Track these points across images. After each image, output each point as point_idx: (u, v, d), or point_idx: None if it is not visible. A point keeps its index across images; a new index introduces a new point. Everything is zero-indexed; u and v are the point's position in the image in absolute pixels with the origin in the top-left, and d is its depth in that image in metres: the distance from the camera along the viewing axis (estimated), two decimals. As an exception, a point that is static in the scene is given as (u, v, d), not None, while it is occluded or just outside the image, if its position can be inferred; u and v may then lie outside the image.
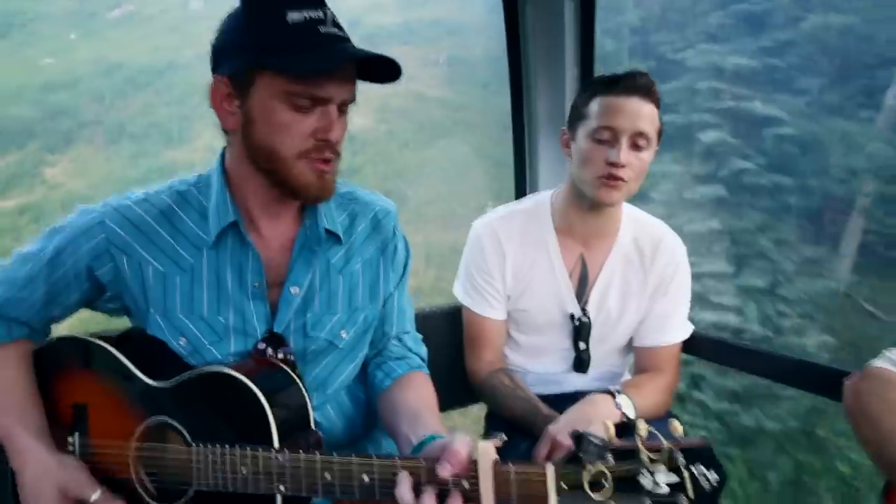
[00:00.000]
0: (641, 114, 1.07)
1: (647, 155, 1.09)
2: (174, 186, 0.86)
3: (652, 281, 1.20)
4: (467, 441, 0.62)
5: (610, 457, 0.58)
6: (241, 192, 0.83)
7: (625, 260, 1.21)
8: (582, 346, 1.23)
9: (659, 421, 1.15)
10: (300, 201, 0.83)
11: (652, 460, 0.58)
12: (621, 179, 1.07)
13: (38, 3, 10.25)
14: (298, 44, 0.71)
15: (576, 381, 1.27)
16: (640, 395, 1.11)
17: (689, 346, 1.26)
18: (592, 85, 1.14)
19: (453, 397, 1.39)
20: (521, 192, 1.55)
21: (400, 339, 0.98)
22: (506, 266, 1.22)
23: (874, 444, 0.83)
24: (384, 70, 0.77)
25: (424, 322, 1.35)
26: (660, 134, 1.12)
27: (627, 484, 0.58)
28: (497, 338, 1.26)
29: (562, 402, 1.17)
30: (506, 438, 0.67)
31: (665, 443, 0.58)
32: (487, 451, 0.59)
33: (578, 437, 0.59)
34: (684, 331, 1.23)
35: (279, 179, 0.77)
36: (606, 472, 0.58)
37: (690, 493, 0.57)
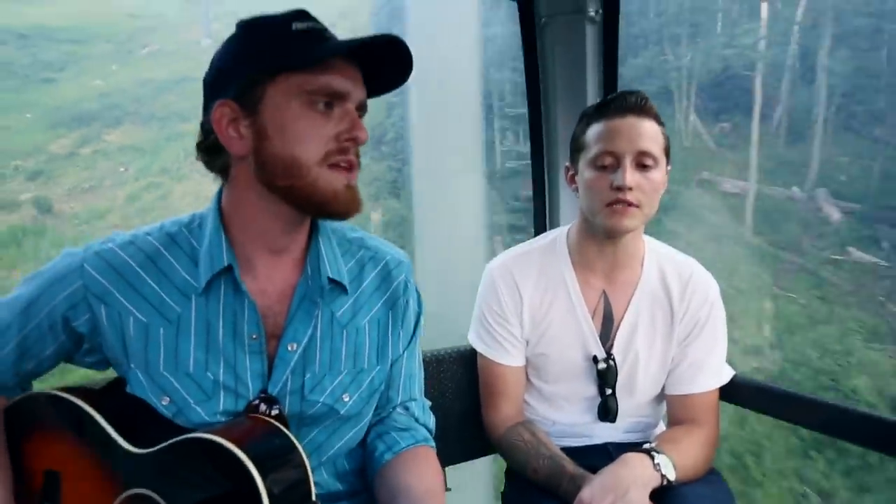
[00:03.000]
0: (640, 132, 1.00)
1: (656, 175, 1.01)
2: (164, 228, 0.79)
3: (683, 323, 1.09)
4: None
5: None
6: (240, 233, 0.76)
7: (651, 297, 1.11)
8: (608, 391, 1.11)
9: (701, 481, 1.03)
10: (327, 217, 0.76)
11: None
12: (632, 204, 0.99)
13: (83, 47, 14.40)
14: (308, 43, 0.70)
15: (604, 433, 1.15)
16: (679, 451, 0.99)
17: (728, 392, 1.13)
18: (586, 114, 1.08)
19: (470, 447, 1.28)
20: (541, 229, 1.46)
21: (406, 408, 0.88)
22: (523, 308, 1.12)
23: None
24: (388, 77, 0.74)
25: (438, 365, 1.26)
26: (667, 151, 1.05)
27: None
28: (516, 387, 1.16)
29: (589, 454, 1.07)
30: None
31: None
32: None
33: None
34: (722, 377, 1.11)
35: (303, 195, 0.71)
36: None
37: None
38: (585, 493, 0.89)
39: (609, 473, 0.91)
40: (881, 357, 6.51)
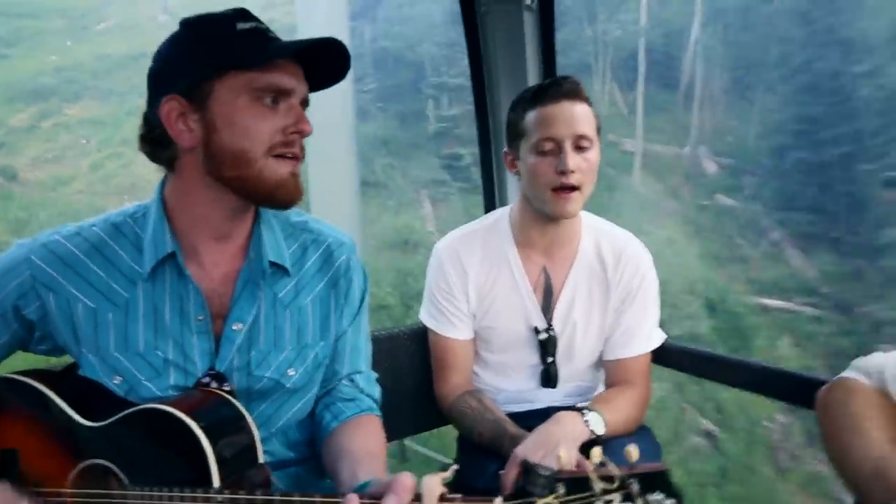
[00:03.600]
0: (576, 116, 1.07)
1: (592, 155, 1.09)
2: (109, 219, 0.83)
3: (617, 292, 1.19)
4: (412, 476, 0.59)
5: (561, 487, 0.56)
6: (183, 221, 0.80)
7: (588, 270, 1.20)
8: (549, 359, 1.20)
9: (631, 436, 1.14)
10: (273, 206, 0.81)
11: (606, 490, 0.55)
12: (575, 188, 1.07)
13: (37, 22, 14.13)
14: (254, 42, 0.74)
15: (546, 397, 1.25)
16: (610, 409, 1.08)
17: (660, 356, 1.24)
18: (521, 101, 1.14)
19: (424, 420, 1.37)
20: (490, 209, 1.54)
21: (352, 380, 0.94)
22: (469, 285, 1.20)
23: (834, 457, 0.82)
24: (327, 73, 0.79)
25: (392, 343, 1.34)
26: (599, 130, 1.12)
27: (581, 516, 0.55)
28: (464, 359, 1.24)
29: (532, 418, 1.15)
30: (457, 467, 0.64)
31: (618, 470, 0.55)
32: (432, 486, 0.56)
33: (527, 470, 0.56)
34: (653, 341, 1.21)
35: (250, 185, 0.76)
36: (556, 503, 0.55)
37: None
38: (520, 449, 0.98)
39: (541, 431, 1.00)
40: (716, 275, 8.93)
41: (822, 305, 8.13)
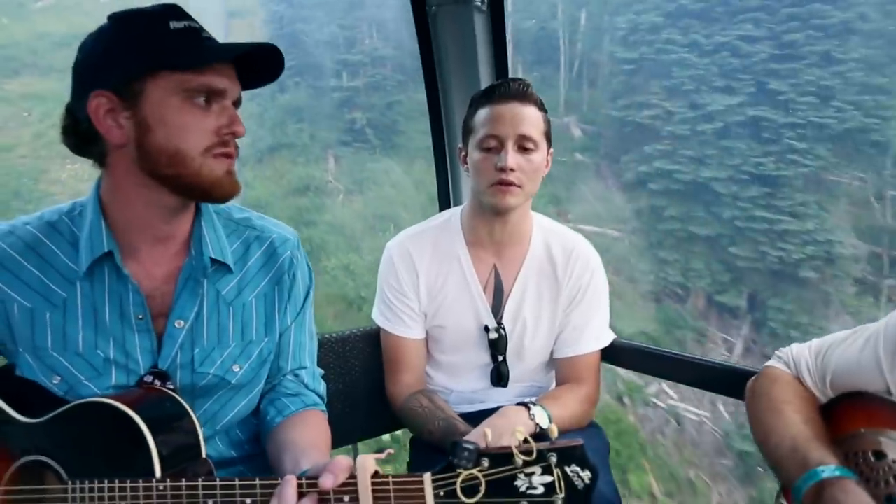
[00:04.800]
0: (522, 117, 1.18)
1: (536, 157, 1.20)
2: (44, 217, 0.87)
3: (566, 291, 1.30)
4: (348, 458, 0.68)
5: (486, 461, 0.65)
6: (120, 220, 0.85)
7: (538, 269, 1.30)
8: (499, 358, 1.30)
9: (580, 431, 1.25)
10: (211, 201, 0.86)
11: (527, 462, 0.65)
12: (513, 184, 1.17)
13: None
14: (187, 43, 0.78)
15: (498, 397, 1.35)
16: (557, 405, 1.19)
17: (609, 354, 1.36)
18: (474, 99, 1.25)
19: (377, 423, 1.44)
20: (444, 207, 1.64)
21: (296, 375, 1.00)
22: (419, 283, 1.29)
23: (758, 440, 0.94)
24: (262, 73, 0.84)
25: (344, 346, 1.41)
26: (548, 135, 1.23)
27: (503, 487, 0.65)
28: (415, 359, 1.33)
29: (484, 418, 1.23)
30: (392, 452, 0.73)
31: (536, 445, 0.65)
32: (365, 464, 0.65)
33: (452, 446, 0.65)
34: (602, 340, 1.33)
35: (186, 182, 0.80)
36: (480, 476, 0.64)
37: (562, 491, 0.64)
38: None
39: (486, 423, 1.10)
40: (550, 212, 13.81)
41: (624, 230, 12.28)
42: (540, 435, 1.15)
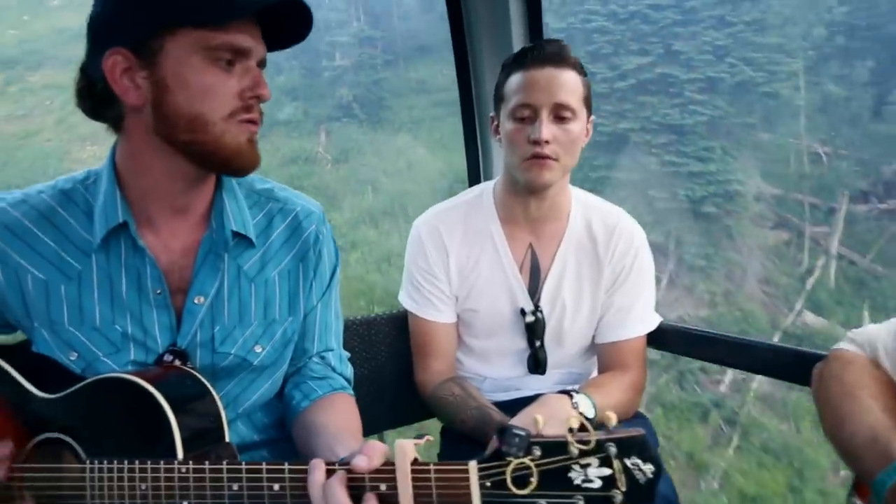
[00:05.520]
0: (559, 83, 1.12)
1: (574, 126, 1.14)
2: (58, 185, 0.86)
3: (609, 271, 1.25)
4: (382, 443, 0.65)
5: (537, 450, 0.62)
6: (137, 189, 0.83)
7: (577, 247, 1.25)
8: (537, 344, 1.26)
9: (625, 423, 1.20)
10: (229, 173, 0.84)
11: (583, 453, 0.61)
12: (548, 157, 1.12)
13: None
14: None
15: (535, 385, 1.31)
16: (602, 394, 1.14)
17: (656, 338, 1.31)
18: (507, 64, 1.19)
19: (404, 413, 1.42)
20: (474, 182, 1.59)
21: (322, 357, 0.99)
22: (450, 263, 1.25)
23: (830, 430, 0.88)
24: (287, 33, 0.81)
25: (369, 329, 1.39)
26: (587, 102, 1.17)
27: (556, 479, 0.61)
28: (446, 344, 1.29)
29: (519, 407, 1.19)
30: (432, 439, 0.70)
31: (595, 434, 0.61)
32: (405, 449, 0.62)
33: (502, 431, 0.62)
34: (649, 323, 1.28)
35: (206, 150, 0.78)
36: (531, 465, 0.61)
37: (623, 486, 0.60)
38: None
39: (525, 412, 1.06)
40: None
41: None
42: (584, 426, 1.10)
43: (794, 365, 1.13)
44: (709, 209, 12.68)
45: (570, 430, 0.62)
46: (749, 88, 13.84)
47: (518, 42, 1.42)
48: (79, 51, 0.82)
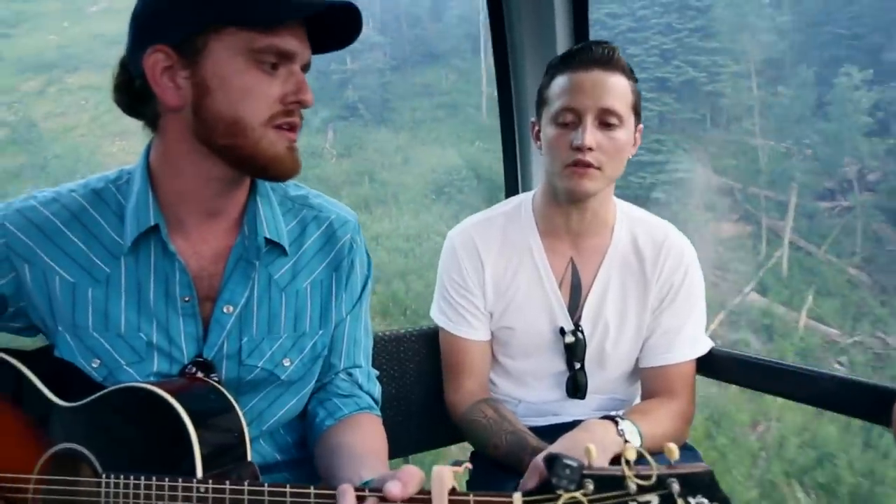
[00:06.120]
0: (606, 87, 1.08)
1: (620, 134, 1.10)
2: (90, 184, 0.86)
3: (656, 290, 1.20)
4: (418, 468, 0.61)
5: (590, 484, 0.57)
6: (170, 191, 0.82)
7: (622, 264, 1.21)
8: (577, 366, 1.22)
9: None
10: (267, 178, 0.83)
11: (641, 489, 0.57)
12: (591, 165, 1.08)
13: (34, 5, 19.71)
14: None
15: (574, 410, 1.26)
16: (649, 422, 1.09)
17: (707, 365, 1.24)
18: (551, 65, 1.16)
19: (433, 436, 1.39)
20: (512, 192, 1.56)
21: (350, 374, 0.96)
22: (485, 277, 1.22)
23: None
24: (334, 36, 0.80)
25: (398, 346, 1.36)
26: (636, 109, 1.13)
27: (611, 516, 0.57)
28: (480, 363, 1.25)
29: (557, 433, 1.15)
30: (471, 467, 0.66)
31: (657, 468, 0.57)
32: (443, 476, 0.58)
33: (551, 460, 0.58)
34: (699, 347, 1.22)
35: (244, 155, 0.77)
36: (584, 501, 0.56)
37: None
38: (539, 458, 0.99)
39: (567, 438, 1.01)
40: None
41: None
42: (640, 458, 1.05)
43: (869, 400, 1.05)
44: (657, 195, 14.86)
45: (627, 462, 0.57)
46: (695, 87, 16.86)
47: (563, 42, 1.39)
48: (113, 55, 0.84)
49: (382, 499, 0.59)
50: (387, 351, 1.36)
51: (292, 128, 0.79)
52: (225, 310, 0.84)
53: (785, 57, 16.58)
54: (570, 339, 1.20)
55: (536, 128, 1.20)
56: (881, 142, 14.15)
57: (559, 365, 1.24)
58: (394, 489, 0.58)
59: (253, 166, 0.79)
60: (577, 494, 0.56)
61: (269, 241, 0.86)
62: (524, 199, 1.27)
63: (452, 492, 0.59)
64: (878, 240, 13.69)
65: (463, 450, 1.35)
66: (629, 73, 1.13)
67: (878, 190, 14.19)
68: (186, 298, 0.83)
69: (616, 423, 1.04)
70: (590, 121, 1.08)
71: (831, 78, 14.70)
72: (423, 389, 1.36)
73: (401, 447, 1.36)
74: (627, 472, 0.57)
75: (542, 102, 1.17)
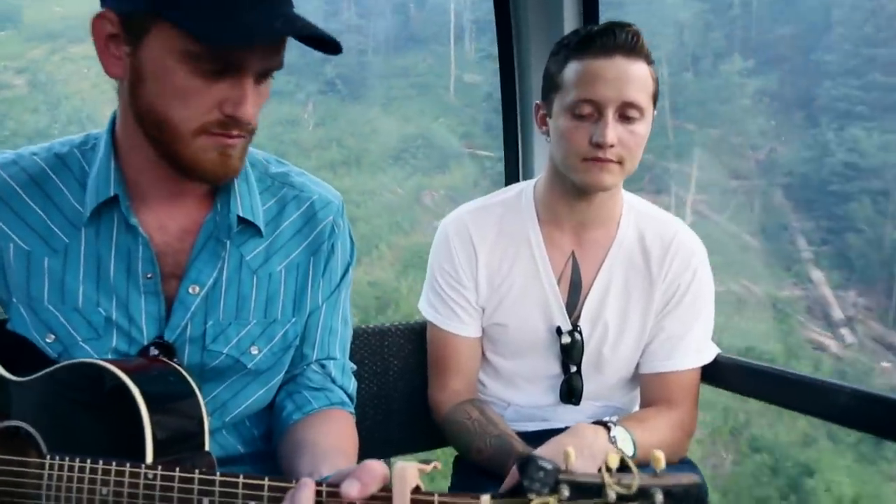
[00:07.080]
0: (629, 78, 1.05)
1: (641, 128, 1.07)
2: (53, 148, 0.85)
3: (661, 291, 1.17)
4: (383, 464, 0.59)
5: (566, 490, 0.56)
6: (133, 162, 0.81)
7: (627, 261, 1.19)
8: (572, 369, 1.20)
9: (669, 468, 1.11)
10: (193, 181, 0.80)
11: (621, 497, 0.55)
12: (610, 161, 1.05)
13: None
14: (215, 6, 0.68)
15: (567, 416, 1.24)
16: (645, 430, 1.07)
17: (712, 373, 1.21)
18: (565, 45, 1.11)
19: (415, 437, 1.37)
20: (512, 180, 1.54)
21: (322, 366, 0.94)
22: (478, 268, 1.20)
23: None
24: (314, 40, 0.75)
25: (381, 340, 1.35)
26: (655, 98, 1.10)
27: (587, 526, 0.55)
28: (468, 361, 1.24)
29: (547, 439, 1.14)
30: (439, 466, 0.64)
31: (639, 477, 0.55)
32: (405, 474, 0.57)
33: (525, 462, 0.56)
34: (704, 355, 1.20)
35: (170, 154, 0.75)
36: None
37: None
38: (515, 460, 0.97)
39: (554, 442, 0.99)
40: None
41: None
42: (622, 465, 1.03)
43: (887, 416, 1.02)
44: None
45: (608, 469, 0.56)
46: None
47: (570, 19, 1.35)
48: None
49: (335, 494, 0.58)
50: (369, 345, 1.34)
51: (231, 137, 0.75)
52: (190, 290, 0.83)
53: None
54: (566, 339, 1.18)
55: (542, 112, 1.17)
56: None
57: (554, 367, 1.22)
58: (351, 490, 0.56)
59: (178, 166, 0.76)
60: (550, 499, 0.55)
61: (242, 220, 0.84)
62: (525, 188, 1.25)
63: (416, 490, 0.57)
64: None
65: (448, 454, 1.33)
66: (650, 59, 1.09)
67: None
68: (149, 275, 0.81)
69: (608, 428, 1.02)
70: (611, 115, 1.04)
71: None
72: (406, 388, 1.35)
73: (380, 449, 1.34)
74: (608, 480, 0.55)
75: (552, 87, 1.13)
